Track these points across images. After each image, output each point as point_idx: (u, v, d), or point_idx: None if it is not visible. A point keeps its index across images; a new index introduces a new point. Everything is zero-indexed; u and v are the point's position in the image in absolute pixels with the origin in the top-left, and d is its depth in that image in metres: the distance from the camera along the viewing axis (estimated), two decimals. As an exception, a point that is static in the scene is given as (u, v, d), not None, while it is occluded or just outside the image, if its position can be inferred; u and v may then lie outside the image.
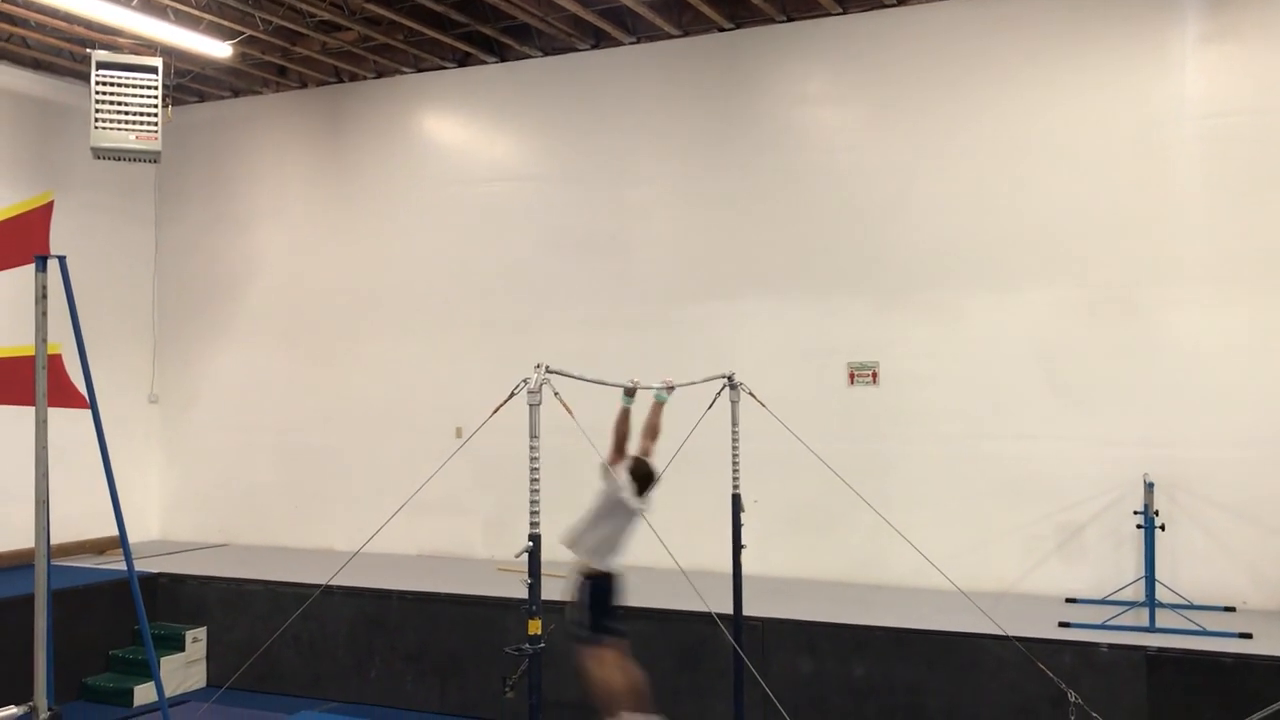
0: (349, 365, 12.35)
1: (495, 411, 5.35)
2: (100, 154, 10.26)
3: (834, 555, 10.06)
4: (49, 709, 4.86)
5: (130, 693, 9.75)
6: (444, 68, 11.92)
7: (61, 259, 5.13)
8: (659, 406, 7.01)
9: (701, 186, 10.80)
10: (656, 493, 6.87)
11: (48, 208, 5.65)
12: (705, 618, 6.93)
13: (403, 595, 9.76)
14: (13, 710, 4.81)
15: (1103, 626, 7.93)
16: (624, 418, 6.70)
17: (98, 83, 10.08)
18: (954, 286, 9.80)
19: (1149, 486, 8.22)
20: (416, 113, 12.26)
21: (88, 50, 10.43)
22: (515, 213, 11.62)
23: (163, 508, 13.29)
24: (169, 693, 9.60)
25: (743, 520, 7.54)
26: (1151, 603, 8.00)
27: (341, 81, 12.48)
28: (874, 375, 10.08)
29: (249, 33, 10.69)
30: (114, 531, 5.65)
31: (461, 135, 12.14)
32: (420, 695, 9.59)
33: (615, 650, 6.74)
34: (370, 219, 12.37)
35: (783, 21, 10.37)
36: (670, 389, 6.96)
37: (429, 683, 9.57)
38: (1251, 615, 8.36)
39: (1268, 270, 8.80)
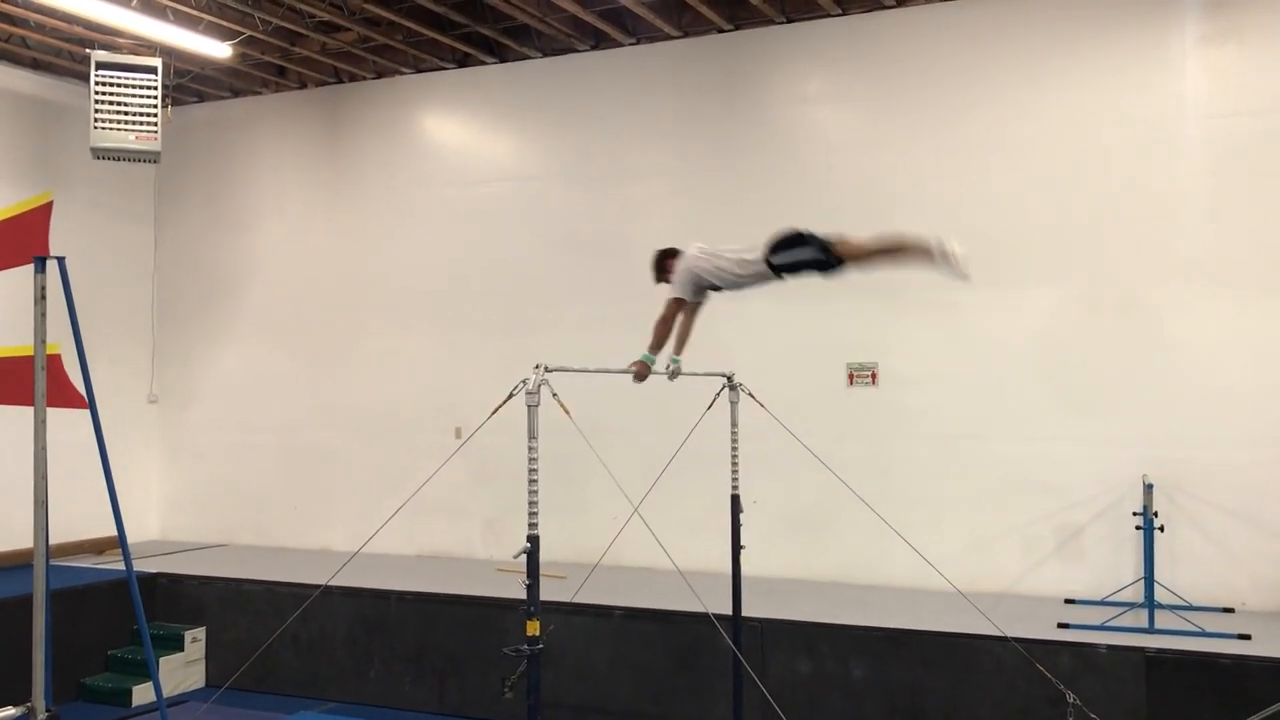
0: (348, 365, 12.35)
1: (494, 412, 5.34)
2: (100, 154, 10.27)
3: (833, 556, 10.06)
4: (47, 709, 4.87)
5: (129, 693, 9.74)
6: (443, 68, 11.92)
7: (60, 260, 5.14)
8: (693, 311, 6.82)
9: (701, 186, 10.81)
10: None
11: (47, 208, 5.66)
12: (704, 619, 6.93)
13: (402, 596, 9.76)
14: (10, 710, 4.81)
15: (1102, 628, 7.93)
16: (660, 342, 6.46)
17: (97, 83, 10.09)
18: (953, 287, 9.63)
19: (1148, 488, 8.23)
20: (416, 113, 12.26)
21: (87, 50, 10.43)
22: (515, 213, 11.63)
23: (162, 508, 13.29)
24: (168, 693, 9.60)
25: (742, 521, 7.53)
26: (1150, 604, 8.00)
27: (341, 82, 12.49)
28: (873, 376, 10.08)
29: (248, 33, 10.69)
30: (113, 531, 5.65)
31: (461, 136, 12.15)
32: (419, 696, 9.58)
33: None
34: (370, 219, 12.38)
35: (782, 22, 10.37)
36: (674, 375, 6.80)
37: (428, 683, 9.57)
38: (1250, 616, 8.37)
39: (1268, 272, 8.80)
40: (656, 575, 8.49)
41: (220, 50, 10.59)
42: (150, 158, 10.41)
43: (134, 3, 9.69)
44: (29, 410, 5.01)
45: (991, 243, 9.63)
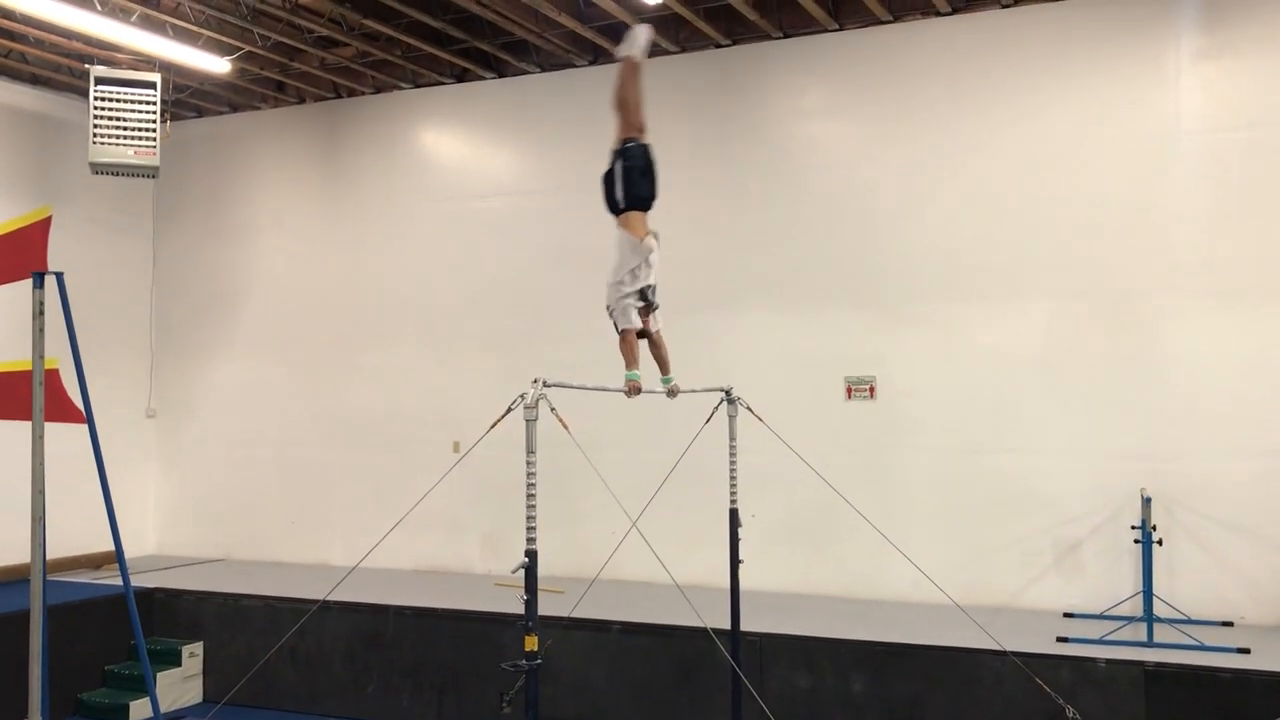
0: (346, 379, 12.34)
1: (492, 426, 5.35)
2: (98, 169, 10.31)
3: (831, 570, 10.05)
4: (44, 725, 4.86)
5: (126, 708, 9.70)
6: (442, 83, 11.95)
7: (59, 275, 5.14)
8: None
9: (699, 200, 10.81)
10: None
11: (46, 223, 5.67)
12: (702, 633, 6.91)
13: (400, 610, 9.74)
14: (8, 726, 4.80)
15: (1101, 641, 7.92)
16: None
17: (96, 98, 10.13)
18: (950, 300, 9.82)
19: (1146, 501, 8.22)
20: (414, 128, 12.29)
21: (86, 66, 10.48)
22: (513, 227, 11.64)
23: (160, 522, 13.27)
24: (165, 708, 9.57)
25: (740, 535, 7.53)
26: (1149, 617, 7.99)
27: (340, 97, 12.52)
28: (871, 389, 10.08)
29: (247, 48, 10.72)
30: (110, 546, 5.63)
31: (459, 150, 12.17)
32: (417, 711, 9.55)
33: None
34: (368, 234, 12.39)
35: (779, 38, 10.41)
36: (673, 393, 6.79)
37: (426, 698, 9.54)
38: (1249, 630, 8.36)
39: (1265, 284, 8.82)
40: (655, 589, 8.47)
41: (219, 65, 10.63)
42: (149, 173, 10.45)
43: (133, 18, 9.73)
44: (27, 425, 5.01)
45: (989, 256, 9.68)
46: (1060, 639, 8.03)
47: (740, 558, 7.51)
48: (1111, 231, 9.31)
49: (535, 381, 5.22)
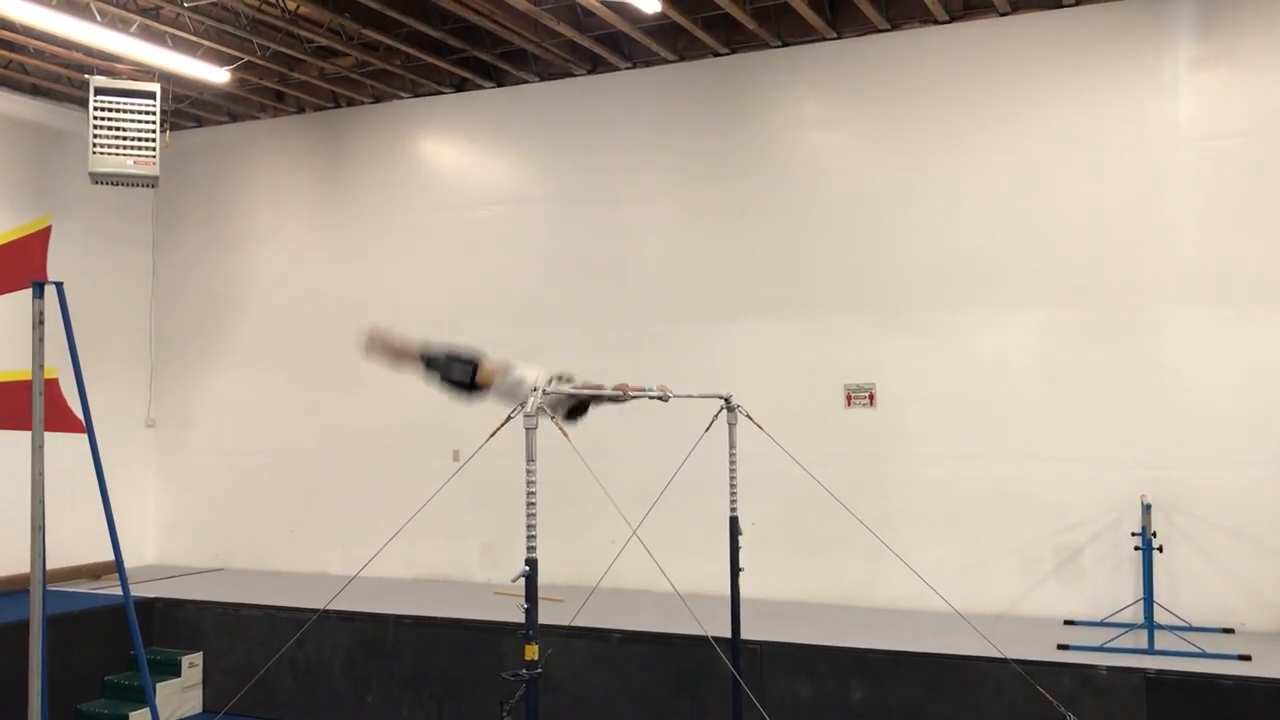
0: (346, 388, 12.33)
1: (492, 435, 5.35)
2: (98, 179, 10.32)
3: (832, 578, 10.04)
4: (43, 736, 4.85)
5: (125, 719, 9.68)
6: (441, 93, 11.97)
7: (59, 285, 5.14)
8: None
9: (698, 209, 10.85)
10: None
11: (45, 232, 5.67)
12: (703, 641, 6.90)
13: (400, 619, 9.72)
14: (7, 737, 4.79)
15: (1101, 649, 7.91)
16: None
17: (96, 108, 10.15)
18: (951, 308, 9.83)
19: (1146, 508, 8.22)
20: (414, 137, 12.31)
21: (86, 76, 10.51)
22: (512, 236, 11.65)
23: (159, 532, 13.26)
24: (165, 718, 9.57)
25: (740, 543, 7.52)
26: (1150, 625, 7.99)
27: (339, 106, 12.54)
28: (871, 397, 10.08)
29: (247, 58, 10.73)
30: (110, 556, 5.63)
31: (458, 159, 12.19)
32: (417, 720, 9.54)
33: None
34: (368, 243, 12.40)
35: (778, 46, 10.43)
36: (666, 398, 6.77)
37: (426, 708, 9.52)
38: (1250, 637, 8.35)
39: (1264, 291, 8.83)
40: (655, 598, 8.45)
41: (218, 75, 10.65)
42: (149, 182, 10.46)
43: (133, 29, 9.75)
44: (26, 435, 5.01)
45: (988, 264, 9.69)
46: (1061, 646, 8.02)
47: (741, 566, 7.50)
48: (1110, 239, 9.32)
49: (535, 390, 5.22)
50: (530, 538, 5.08)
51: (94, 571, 11.55)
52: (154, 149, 10.28)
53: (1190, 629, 8.21)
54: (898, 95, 10.12)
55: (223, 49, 10.51)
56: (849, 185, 10.26)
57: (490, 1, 9.64)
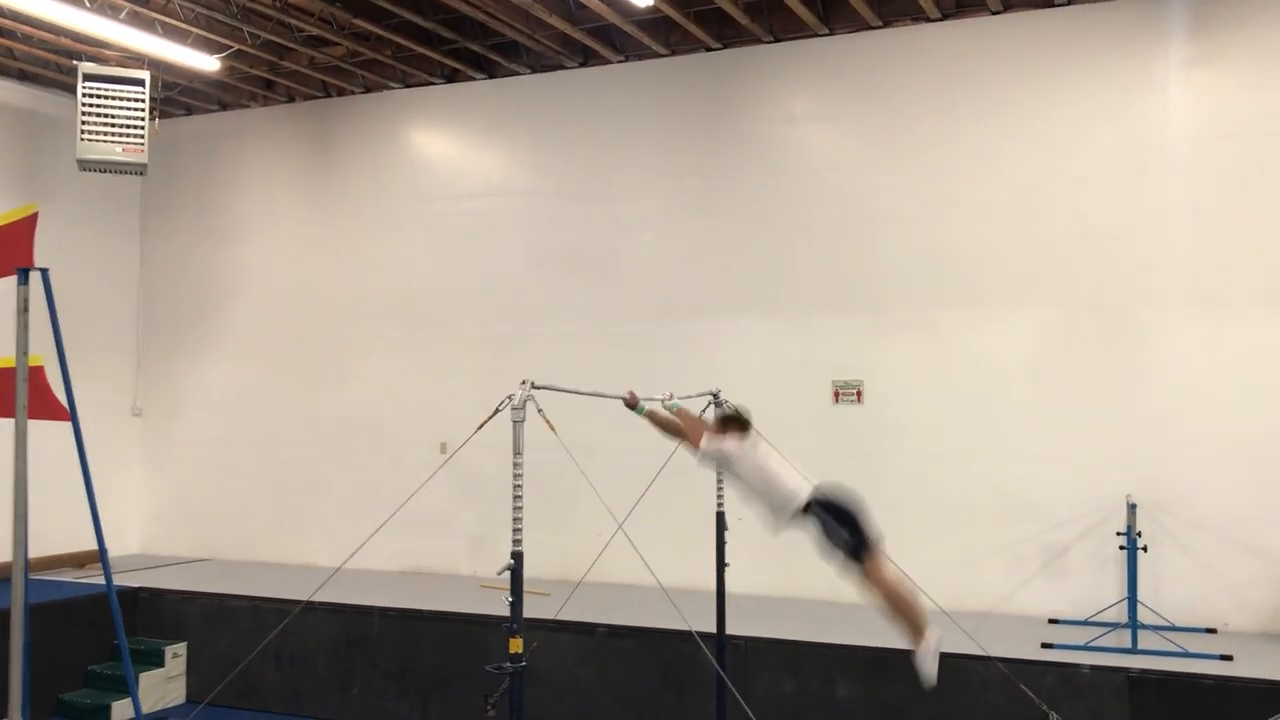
0: (334, 379, 12.31)
1: (480, 427, 5.33)
2: (86, 166, 10.25)
3: (818, 574, 9.86)
4: (24, 725, 4.83)
5: (108, 709, 9.63)
6: (432, 83, 11.94)
7: (44, 271, 5.11)
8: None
9: (689, 204, 10.84)
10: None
11: (32, 219, 5.62)
12: (688, 636, 6.90)
13: (385, 612, 9.71)
14: (-12, 726, 4.77)
15: (1085, 648, 7.94)
16: (655, 420, 6.36)
17: (84, 95, 10.08)
18: (940, 305, 9.85)
19: (1131, 507, 8.25)
20: (404, 128, 12.27)
21: (74, 62, 10.42)
22: (502, 228, 11.63)
23: (144, 521, 13.21)
24: (148, 709, 9.53)
25: (726, 538, 7.53)
26: (1134, 624, 8.02)
27: (329, 96, 12.49)
28: (859, 393, 10.10)
29: (237, 47, 10.69)
30: (94, 545, 5.60)
31: (449, 151, 12.16)
32: (402, 713, 9.53)
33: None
34: (357, 234, 12.37)
35: (769, 42, 10.42)
36: (671, 402, 6.78)
37: (411, 700, 9.51)
38: (1232, 637, 8.39)
39: (1252, 293, 8.87)
40: (641, 592, 8.43)
41: (208, 64, 10.60)
42: (137, 170, 10.40)
43: (122, 15, 9.69)
44: (10, 422, 4.98)
45: (977, 262, 9.71)
46: (1045, 645, 8.04)
47: (727, 561, 7.50)
48: (1099, 238, 9.35)
49: (523, 383, 5.21)
50: (516, 531, 5.08)
51: (78, 560, 11.50)
52: (143, 137, 10.22)
53: (1173, 628, 8.25)
54: (889, 92, 10.13)
55: (213, 37, 10.46)
56: (840, 182, 10.27)
57: (482, -7, 9.62)
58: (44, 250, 5.67)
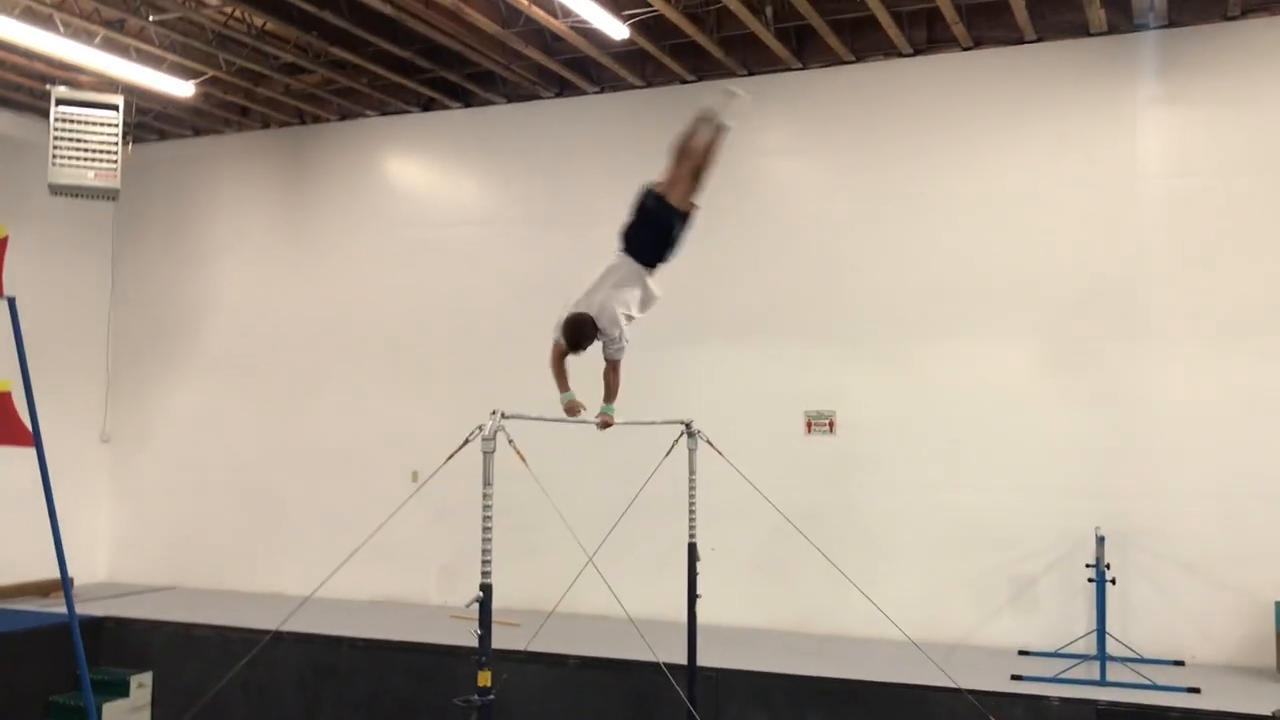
0: (305, 407, 12.24)
1: (450, 458, 5.32)
2: (57, 191, 10.20)
3: (790, 605, 10.04)
4: (-16, 757, 4.75)
5: (70, 740, 9.52)
6: (408, 112, 11.96)
7: (11, 300, 5.08)
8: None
9: (662, 235, 10.85)
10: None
11: (2, 243, 5.60)
12: (658, 668, 6.89)
13: (354, 642, 9.62)
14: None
15: (1054, 680, 7.96)
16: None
17: (57, 119, 10.04)
18: (912, 338, 9.91)
19: (1100, 540, 8.30)
20: (379, 156, 12.28)
21: (47, 86, 10.38)
22: (477, 257, 11.63)
23: (112, 549, 13.05)
24: (111, 740, 9.39)
25: (698, 569, 7.52)
26: (1102, 656, 8.05)
27: (304, 123, 12.49)
28: (831, 424, 10.13)
29: (212, 73, 10.67)
30: (58, 573, 5.54)
31: (424, 179, 12.17)
32: (369, 744, 9.43)
33: None
34: (331, 261, 12.33)
35: (743, 75, 10.50)
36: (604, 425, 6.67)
37: (378, 731, 9.42)
38: (1199, 669, 8.43)
39: (1221, 328, 8.97)
40: (613, 623, 8.41)
41: (183, 89, 10.57)
42: (109, 195, 10.35)
43: (96, 40, 9.66)
44: (-24, 450, 4.93)
45: (949, 296, 9.78)
46: (1015, 677, 8.06)
47: (699, 592, 7.49)
48: (1069, 272, 9.44)
49: (494, 413, 5.21)
50: (485, 562, 5.06)
51: (42, 589, 11.34)
52: (115, 162, 10.18)
53: (1142, 660, 8.29)
54: (861, 126, 10.23)
55: (188, 63, 10.44)
56: (812, 214, 10.34)
57: (458, 23, 9.64)
58: (13, 275, 5.65)
